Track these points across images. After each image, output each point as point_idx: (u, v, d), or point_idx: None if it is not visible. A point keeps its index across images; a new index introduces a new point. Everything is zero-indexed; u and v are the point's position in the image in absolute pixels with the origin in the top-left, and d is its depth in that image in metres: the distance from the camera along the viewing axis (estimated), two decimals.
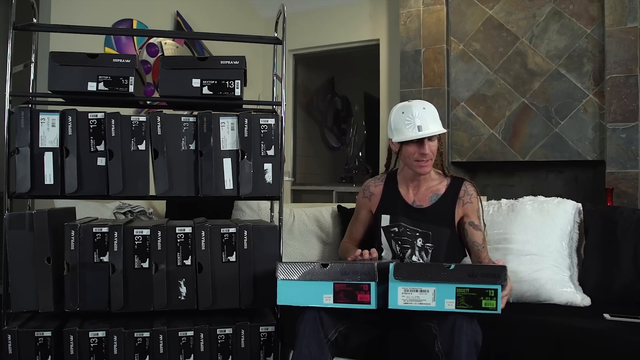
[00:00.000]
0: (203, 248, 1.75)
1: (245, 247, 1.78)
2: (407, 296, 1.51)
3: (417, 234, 1.80)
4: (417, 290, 1.51)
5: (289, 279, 1.59)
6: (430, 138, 1.78)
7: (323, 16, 4.51)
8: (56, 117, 1.75)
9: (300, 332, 1.54)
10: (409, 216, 1.83)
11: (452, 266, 1.50)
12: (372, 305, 1.49)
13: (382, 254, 1.87)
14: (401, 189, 1.90)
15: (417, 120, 1.76)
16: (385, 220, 1.87)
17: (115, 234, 1.70)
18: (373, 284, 1.50)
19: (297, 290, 1.57)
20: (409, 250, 1.81)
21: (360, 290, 1.50)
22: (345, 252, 1.95)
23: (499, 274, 1.46)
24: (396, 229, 1.83)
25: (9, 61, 1.78)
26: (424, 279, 1.50)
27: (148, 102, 2.46)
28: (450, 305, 1.48)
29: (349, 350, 1.66)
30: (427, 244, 1.79)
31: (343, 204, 2.42)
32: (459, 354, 1.41)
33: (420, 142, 1.78)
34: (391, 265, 1.52)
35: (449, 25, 3.71)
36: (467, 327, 1.44)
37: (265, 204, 2.32)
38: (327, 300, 1.53)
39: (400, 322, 1.72)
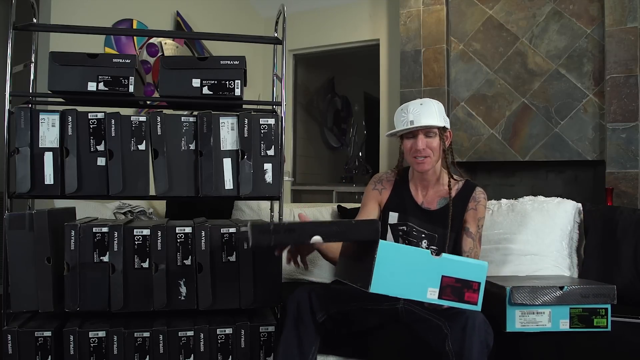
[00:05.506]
0: (203, 248, 1.75)
1: (246, 247, 1.78)
2: (524, 319, 1.55)
3: (423, 235, 1.79)
4: (533, 313, 1.56)
5: (390, 255, 1.32)
6: (426, 134, 1.75)
7: (323, 16, 4.51)
8: (56, 117, 1.75)
9: (288, 312, 1.57)
10: (417, 217, 1.82)
11: (566, 288, 1.55)
12: (478, 307, 1.38)
13: None
14: (412, 188, 1.87)
15: (410, 115, 1.74)
16: (393, 217, 1.85)
17: (115, 234, 1.70)
18: (483, 283, 1.37)
19: (396, 278, 1.32)
20: None
21: (469, 289, 1.37)
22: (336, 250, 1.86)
23: (609, 293, 1.55)
24: (404, 228, 1.82)
25: (9, 61, 1.78)
26: (540, 303, 1.54)
27: (148, 102, 2.46)
28: (564, 325, 1.56)
29: (340, 336, 1.65)
30: (432, 247, 1.78)
31: (343, 204, 2.41)
32: (470, 354, 1.39)
33: (414, 136, 1.76)
34: (507, 290, 1.54)
35: (449, 25, 3.71)
36: (480, 327, 1.43)
37: (265, 204, 2.32)
38: (431, 294, 1.35)
39: (399, 317, 1.72)
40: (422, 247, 1.79)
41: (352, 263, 1.46)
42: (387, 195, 1.89)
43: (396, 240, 1.84)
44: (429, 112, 1.74)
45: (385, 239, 1.84)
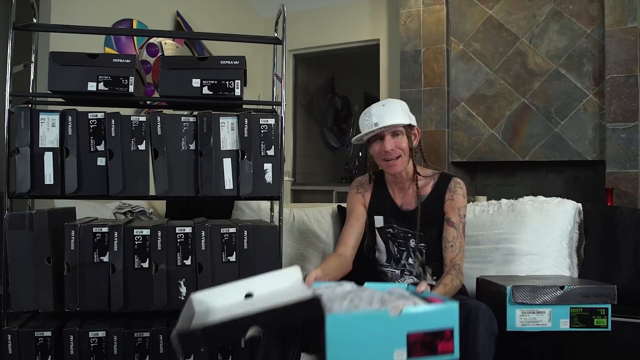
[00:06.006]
0: (203, 248, 1.75)
1: (245, 247, 1.78)
2: (524, 318, 1.56)
3: (409, 234, 1.79)
4: (534, 312, 1.56)
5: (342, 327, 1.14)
6: (393, 134, 1.71)
7: (323, 16, 4.51)
8: (56, 117, 1.75)
9: None
10: (399, 218, 1.81)
11: (566, 287, 1.55)
12: (455, 355, 1.21)
13: (376, 255, 1.86)
14: (390, 191, 1.85)
15: (374, 117, 1.70)
16: (379, 221, 1.84)
17: (115, 234, 1.70)
18: (456, 327, 1.20)
19: (355, 351, 1.15)
20: (405, 252, 1.80)
21: (442, 338, 1.18)
22: (325, 260, 1.73)
23: (609, 293, 1.56)
24: (390, 230, 1.82)
25: (9, 61, 1.78)
26: (540, 302, 1.54)
27: (148, 102, 2.46)
28: (565, 324, 1.55)
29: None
30: (421, 244, 1.77)
31: (343, 204, 2.41)
32: (476, 342, 1.38)
33: (381, 139, 1.72)
34: (508, 289, 1.54)
35: (449, 25, 3.71)
36: (484, 314, 1.42)
37: (265, 204, 2.32)
38: (399, 357, 1.16)
39: None
40: (410, 247, 1.78)
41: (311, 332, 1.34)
42: (369, 198, 1.87)
43: (385, 243, 1.83)
44: (392, 112, 1.70)
45: (375, 243, 1.84)
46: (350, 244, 1.79)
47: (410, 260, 1.79)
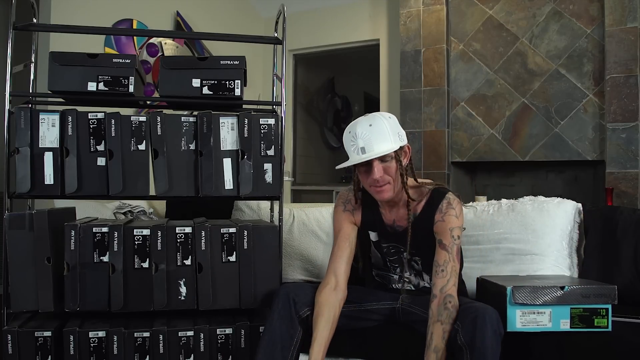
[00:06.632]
0: (203, 248, 1.75)
1: (245, 247, 1.78)
2: (524, 319, 1.56)
3: (402, 249, 1.74)
4: (534, 313, 1.56)
5: None
6: (382, 159, 1.57)
7: (323, 16, 4.51)
8: (56, 117, 1.75)
9: (273, 306, 1.60)
10: (391, 237, 1.75)
11: (567, 288, 1.55)
12: None
13: (372, 261, 1.84)
14: (381, 209, 1.76)
15: (359, 141, 1.55)
16: (373, 236, 1.78)
17: (115, 234, 1.70)
18: None
19: None
20: (398, 268, 1.78)
21: None
22: (317, 318, 1.59)
23: (609, 293, 1.56)
24: (383, 248, 1.79)
25: (9, 61, 1.78)
26: (541, 302, 1.55)
27: (148, 102, 2.46)
28: (565, 325, 1.56)
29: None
30: (416, 257, 1.75)
31: None
32: (484, 344, 1.38)
33: (367, 164, 1.59)
34: (508, 289, 1.54)
35: (449, 25, 3.71)
36: (492, 317, 1.42)
37: (265, 204, 2.32)
38: None
39: (396, 316, 1.73)
40: (404, 259, 1.75)
41: None
42: (360, 214, 1.76)
43: (382, 256, 1.80)
44: (380, 135, 1.55)
45: (370, 255, 1.83)
46: (342, 270, 1.69)
47: (406, 275, 1.77)
